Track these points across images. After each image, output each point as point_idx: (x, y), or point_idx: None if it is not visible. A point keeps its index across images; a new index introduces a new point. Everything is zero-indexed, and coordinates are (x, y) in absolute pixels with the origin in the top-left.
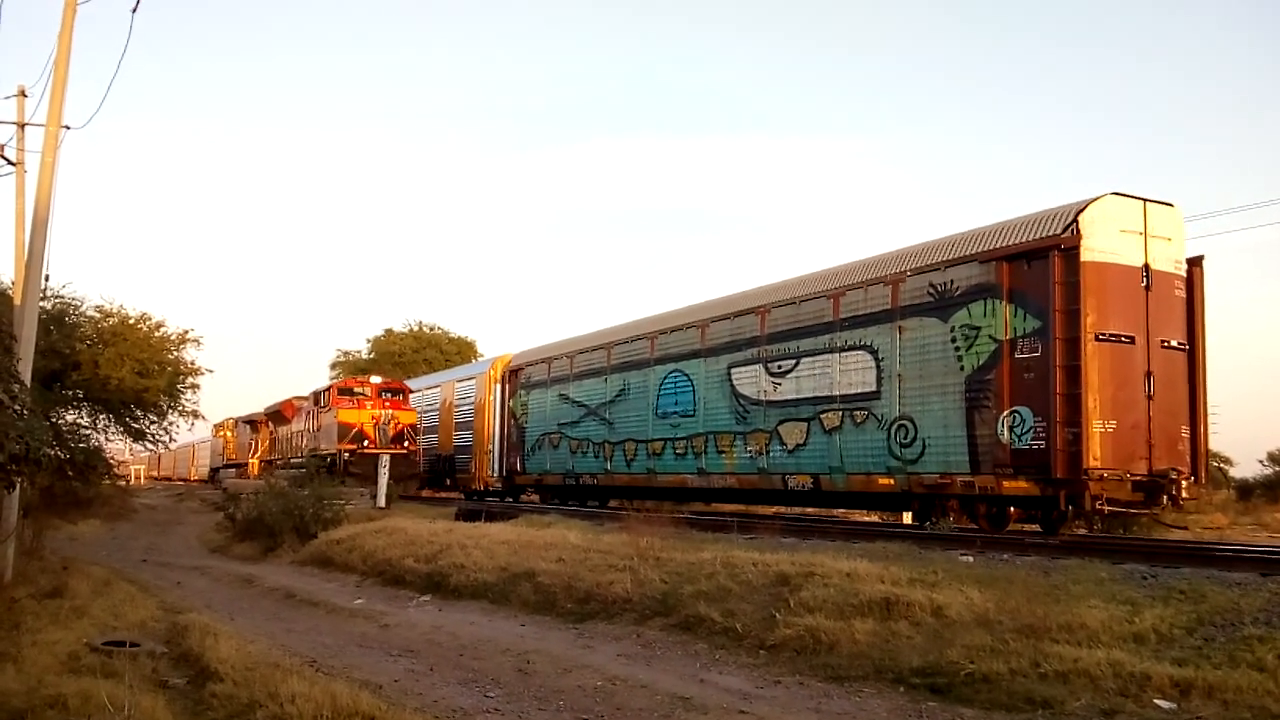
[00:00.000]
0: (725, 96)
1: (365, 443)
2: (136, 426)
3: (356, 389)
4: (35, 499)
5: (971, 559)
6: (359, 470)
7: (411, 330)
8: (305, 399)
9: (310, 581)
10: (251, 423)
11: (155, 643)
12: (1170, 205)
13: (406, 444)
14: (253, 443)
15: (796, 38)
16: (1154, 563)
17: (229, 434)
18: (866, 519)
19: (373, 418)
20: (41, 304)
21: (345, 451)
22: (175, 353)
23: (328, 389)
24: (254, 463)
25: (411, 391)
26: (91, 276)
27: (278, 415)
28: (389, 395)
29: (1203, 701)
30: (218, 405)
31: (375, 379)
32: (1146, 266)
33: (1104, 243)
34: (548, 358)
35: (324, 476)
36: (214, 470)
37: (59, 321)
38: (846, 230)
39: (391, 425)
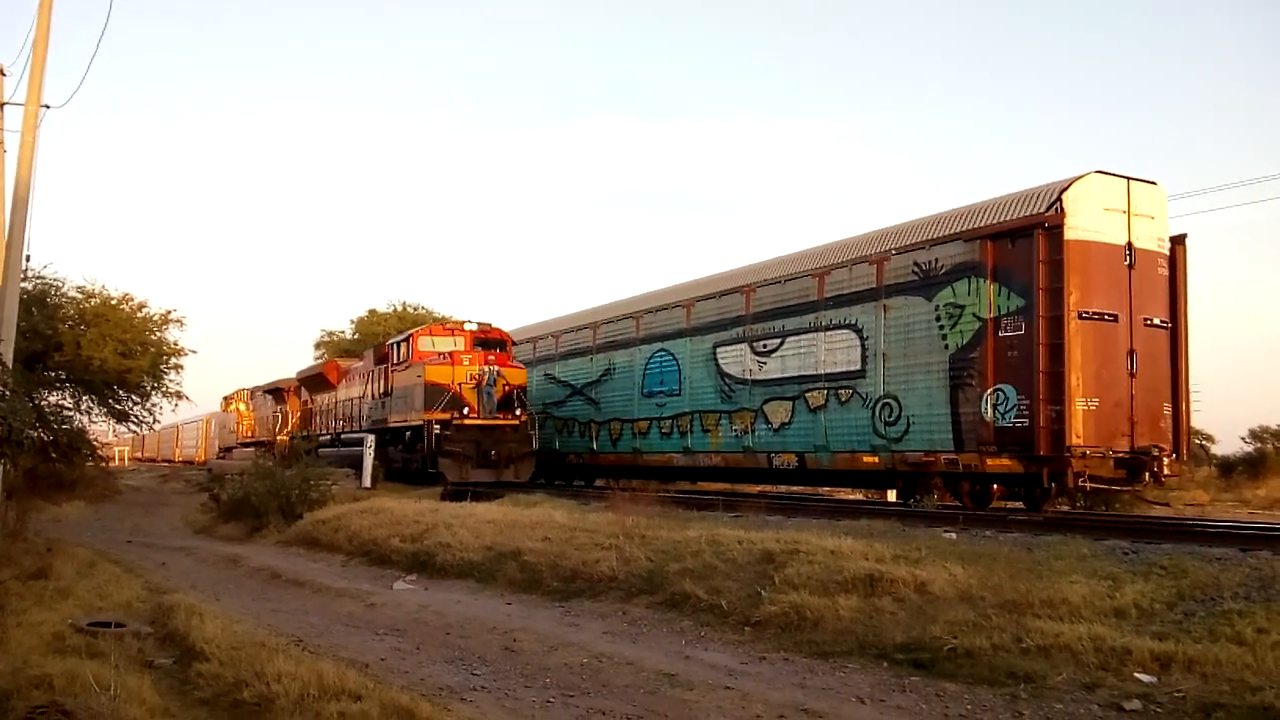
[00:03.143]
0: (711, 79)
1: (465, 410)
2: (120, 408)
3: (444, 339)
4: (19, 481)
5: (955, 536)
6: (457, 448)
7: (396, 310)
8: (357, 358)
9: (296, 562)
10: (276, 392)
11: (141, 623)
12: (1153, 184)
13: (518, 412)
14: (278, 415)
15: (784, 20)
16: (1135, 539)
17: (243, 407)
18: (851, 497)
19: (471, 376)
20: (22, 285)
21: (436, 423)
22: (158, 333)
23: (405, 339)
24: (283, 440)
25: (515, 342)
26: (73, 257)
27: (315, 380)
28: (488, 348)
29: (1183, 675)
30: (200, 386)
31: (470, 325)
32: (1130, 245)
33: (1088, 221)
34: (533, 338)
35: (404, 455)
36: (225, 450)
37: (40, 302)
38: (832, 212)
39: (498, 387)
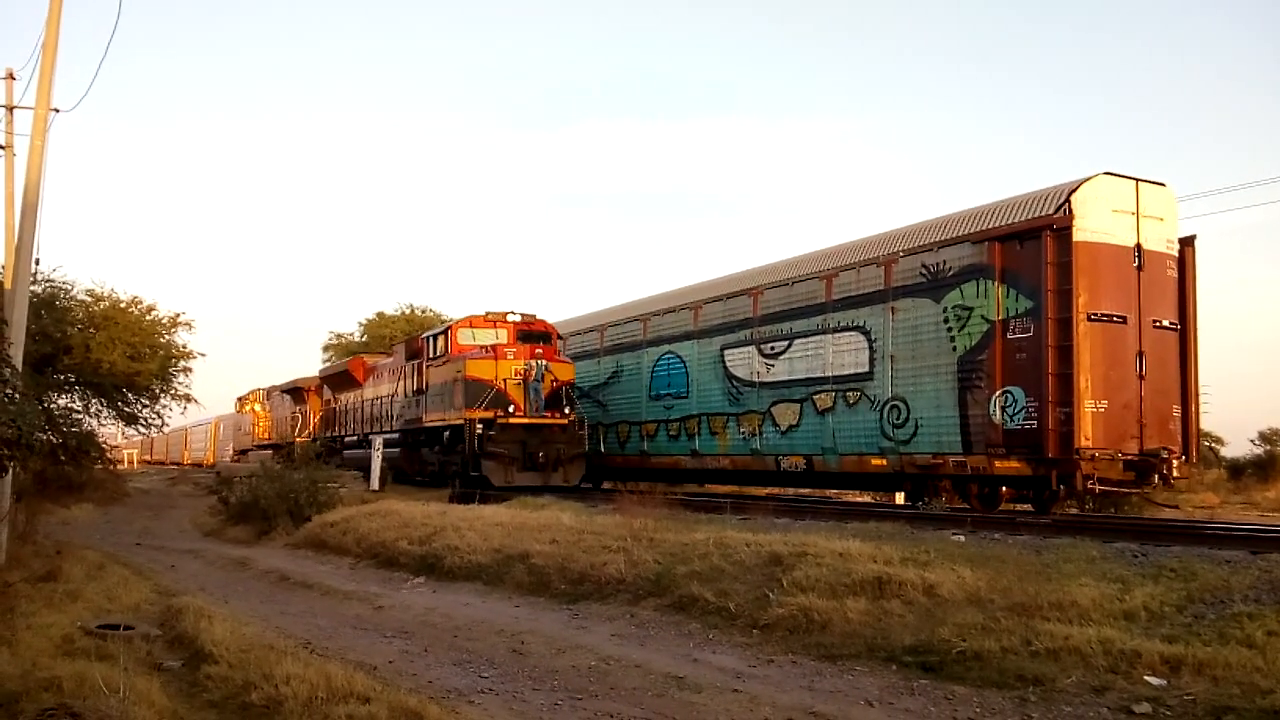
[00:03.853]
0: (715, 79)
1: (511, 409)
2: (129, 410)
3: (485, 331)
4: (28, 483)
5: (963, 538)
6: (502, 449)
7: (404, 313)
8: (384, 354)
9: (304, 564)
10: (295, 391)
11: (149, 626)
12: (1162, 185)
13: (566, 410)
14: (297, 416)
15: (787, 20)
16: (1145, 541)
17: (259, 407)
18: (859, 500)
19: (516, 372)
20: (32, 288)
21: (478, 422)
22: (167, 336)
23: (443, 332)
24: (303, 441)
25: (560, 335)
26: (82, 260)
27: (339, 378)
28: (533, 340)
29: (1193, 678)
30: (207, 389)
31: (513, 315)
32: (1139, 246)
33: (1096, 223)
34: None
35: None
36: (240, 452)
37: (49, 305)
38: (837, 212)
39: (546, 383)
